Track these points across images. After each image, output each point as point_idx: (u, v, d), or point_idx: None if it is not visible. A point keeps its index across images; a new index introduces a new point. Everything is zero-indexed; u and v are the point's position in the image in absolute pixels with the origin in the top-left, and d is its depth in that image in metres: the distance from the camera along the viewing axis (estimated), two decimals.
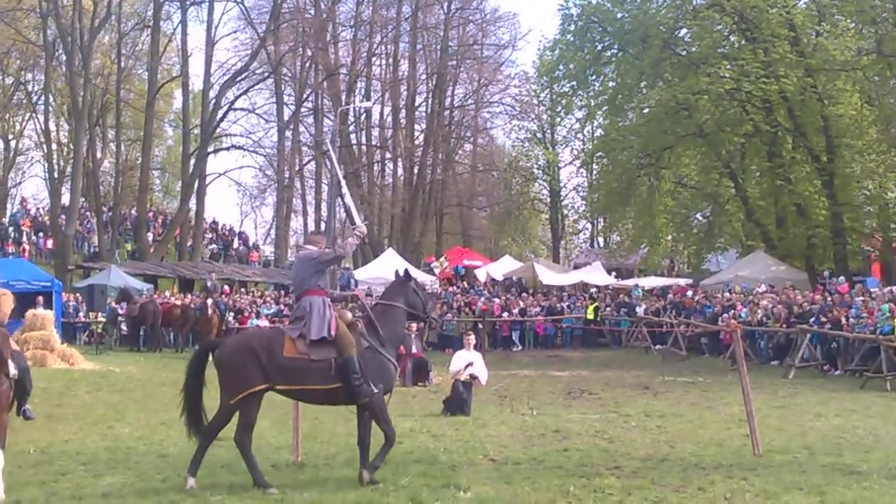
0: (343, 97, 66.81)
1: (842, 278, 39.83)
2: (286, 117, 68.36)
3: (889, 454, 13.84)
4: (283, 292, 51.60)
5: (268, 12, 65.39)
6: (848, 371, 28.36)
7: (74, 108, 57.73)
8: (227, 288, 51.02)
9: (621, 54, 51.14)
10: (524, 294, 48.96)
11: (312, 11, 68.58)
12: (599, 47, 51.79)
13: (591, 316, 44.69)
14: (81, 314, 44.79)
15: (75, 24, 57.16)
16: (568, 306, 46.37)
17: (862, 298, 31.37)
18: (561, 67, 54.75)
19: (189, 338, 40.54)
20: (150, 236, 64.05)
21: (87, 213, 64.56)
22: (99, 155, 67.51)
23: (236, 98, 65.84)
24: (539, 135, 79.52)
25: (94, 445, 14.64)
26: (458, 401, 19.16)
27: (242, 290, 54.42)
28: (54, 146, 64.22)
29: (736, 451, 14.05)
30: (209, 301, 36.84)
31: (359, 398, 12.01)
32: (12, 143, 73.96)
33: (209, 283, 37.64)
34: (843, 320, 29.86)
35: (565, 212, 79.17)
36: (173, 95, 76.91)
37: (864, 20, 44.95)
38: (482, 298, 47.15)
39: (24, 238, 60.19)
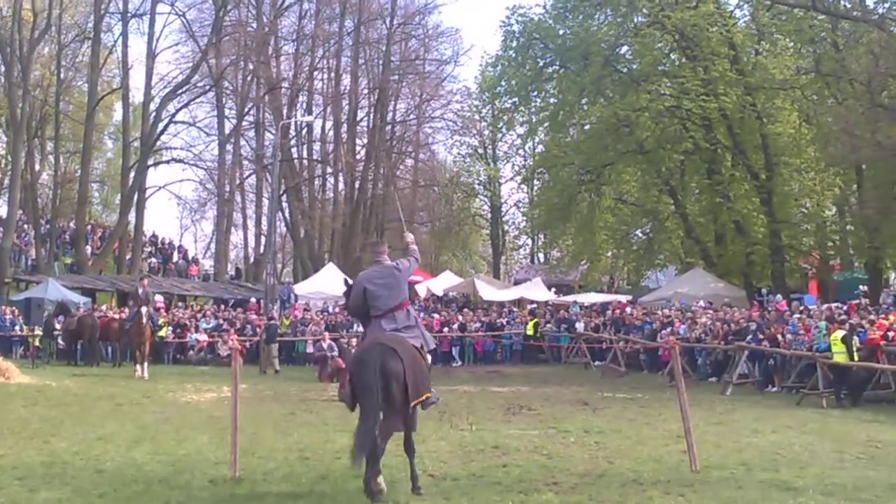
0: (284, 111, 66.61)
1: (779, 296, 40.22)
2: (227, 131, 67.98)
3: (825, 470, 13.91)
4: (222, 306, 51.32)
5: (209, 25, 65.18)
6: (785, 388, 28.56)
7: (13, 119, 57.22)
8: (158, 299, 50.36)
9: (563, 71, 51.32)
10: (464, 309, 48.93)
11: (254, 25, 68.41)
12: (541, 64, 51.93)
13: (530, 332, 44.76)
14: (18, 328, 44.31)
15: (14, 35, 56.67)
16: (508, 322, 46.35)
17: (799, 316, 31.64)
18: (503, 83, 54.85)
19: (126, 352, 39.98)
20: (88, 249, 63.46)
21: (25, 226, 63.84)
22: (37, 167, 66.89)
23: (177, 111, 65.57)
24: (480, 150, 79.89)
25: (29, 460, 14.45)
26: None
27: (181, 304, 54.14)
28: None
29: (674, 467, 14.05)
30: (143, 310, 34.29)
31: (427, 405, 12.29)
32: None
33: (140, 291, 35.22)
34: (781, 337, 30.08)
35: (506, 227, 79.44)
36: (113, 108, 76.38)
37: (803, 40, 45.48)
38: (422, 314, 47.09)
39: None
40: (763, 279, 47.28)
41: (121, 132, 69.76)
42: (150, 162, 64.77)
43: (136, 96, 69.10)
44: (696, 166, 48.98)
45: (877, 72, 38.00)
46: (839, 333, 25.73)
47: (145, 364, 33.23)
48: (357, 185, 69.97)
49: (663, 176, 49.16)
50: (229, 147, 67.46)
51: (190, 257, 72.93)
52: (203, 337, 43.84)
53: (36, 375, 31.91)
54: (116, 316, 42.32)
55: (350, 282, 13.58)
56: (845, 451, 16.10)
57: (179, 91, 64.47)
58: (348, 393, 12.23)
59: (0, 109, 64.76)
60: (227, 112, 69.80)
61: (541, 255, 79.89)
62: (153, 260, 67.21)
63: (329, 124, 72.70)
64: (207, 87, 66.42)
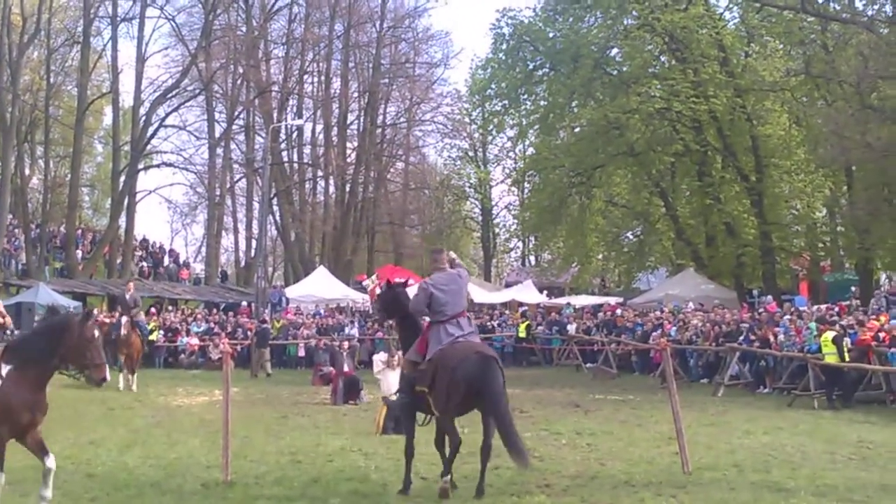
0: (275, 115, 66.48)
1: (769, 297, 40.25)
2: (217, 134, 67.83)
3: (816, 471, 13.95)
4: (213, 310, 51.20)
5: (199, 29, 65.07)
6: (776, 389, 28.62)
7: (2, 124, 56.98)
8: (153, 310, 49.79)
9: (553, 73, 51.27)
10: None
11: (244, 29, 68.31)
12: (531, 66, 51.93)
13: (522, 334, 44.73)
14: (8, 332, 44.08)
15: (3, 40, 56.53)
16: (499, 324, 46.30)
17: (790, 317, 31.67)
18: (493, 86, 54.76)
19: (116, 358, 39.55)
20: (79, 254, 63.23)
21: (15, 231, 63.63)
22: (27, 171, 66.81)
23: (167, 115, 65.49)
24: (471, 153, 79.78)
25: (20, 464, 14.36)
26: (392, 418, 19.05)
27: (171, 307, 54.02)
28: None
29: (665, 469, 14.10)
30: (124, 319, 32.41)
31: None
32: None
33: (127, 296, 34.19)
34: (772, 338, 30.12)
35: (497, 230, 79.40)
36: (103, 112, 76.13)
37: (793, 41, 45.52)
38: None
39: None
40: (754, 280, 47.36)
41: (111, 136, 69.48)
42: (141, 166, 64.57)
43: (126, 100, 68.88)
44: (686, 168, 49.05)
45: (866, 73, 38.03)
46: (829, 334, 25.78)
47: (133, 375, 30.91)
48: (348, 189, 69.89)
49: (654, 178, 49.21)
50: (219, 151, 67.35)
51: (181, 261, 72.72)
52: (194, 341, 43.75)
53: None
54: (107, 320, 42.12)
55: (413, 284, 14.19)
56: (837, 451, 16.16)
57: (169, 95, 64.35)
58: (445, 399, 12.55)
59: None
60: (217, 116, 69.78)
61: (532, 258, 79.92)
62: (144, 264, 67.06)
63: (319, 128, 72.61)
64: (197, 91, 66.31)
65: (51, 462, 11.22)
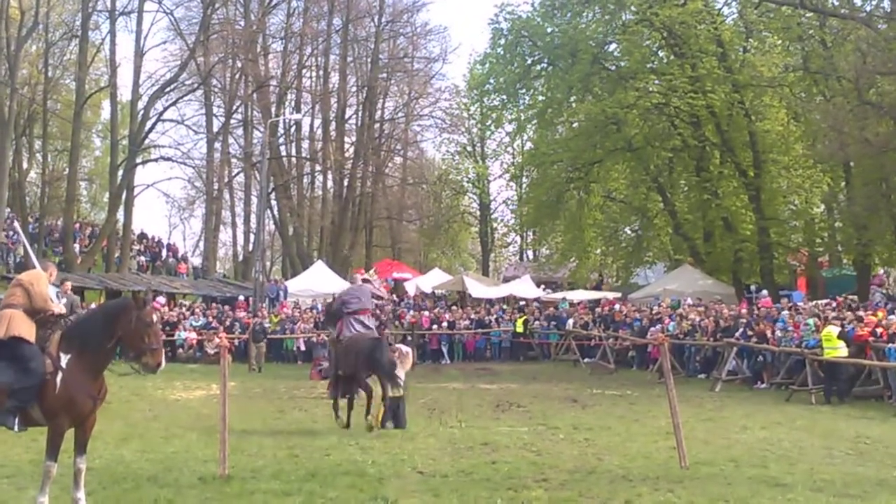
0: (273, 109, 66.40)
1: (764, 292, 40.27)
2: (215, 129, 67.77)
3: (813, 466, 13.96)
4: (211, 304, 51.14)
5: (197, 23, 64.90)
6: (774, 384, 28.62)
7: (0, 117, 56.99)
8: (160, 300, 49.46)
9: (551, 68, 51.19)
10: (453, 307, 48.80)
11: (242, 23, 68.17)
12: (529, 61, 51.82)
13: (520, 329, 44.67)
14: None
15: (1, 34, 56.47)
16: (497, 319, 46.26)
17: (788, 312, 31.67)
18: (491, 81, 54.67)
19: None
20: (76, 248, 63.11)
21: (13, 224, 63.59)
22: (25, 165, 66.70)
23: (165, 109, 65.20)
24: (469, 148, 79.70)
25: (17, 458, 14.42)
26: (390, 412, 18.97)
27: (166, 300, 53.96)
28: None
29: (663, 464, 14.10)
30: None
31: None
32: None
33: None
34: (770, 334, 30.12)
35: (495, 225, 79.34)
36: (101, 106, 75.89)
37: (791, 37, 45.47)
38: (411, 311, 46.95)
39: None
40: (752, 276, 47.31)
41: (109, 130, 69.36)
42: (139, 160, 64.44)
43: (124, 94, 68.82)
44: (684, 163, 49.01)
45: (864, 69, 38.01)
46: (833, 330, 25.75)
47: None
48: (346, 183, 69.83)
49: (652, 173, 49.17)
50: (218, 145, 67.23)
51: (179, 255, 72.64)
52: (192, 335, 43.68)
53: None
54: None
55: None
56: (834, 447, 16.17)
57: (167, 89, 64.16)
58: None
59: None
60: (215, 110, 69.67)
61: (530, 253, 79.85)
62: (142, 258, 66.98)
63: (317, 122, 72.60)
64: (195, 86, 66.16)
65: (82, 462, 11.20)
